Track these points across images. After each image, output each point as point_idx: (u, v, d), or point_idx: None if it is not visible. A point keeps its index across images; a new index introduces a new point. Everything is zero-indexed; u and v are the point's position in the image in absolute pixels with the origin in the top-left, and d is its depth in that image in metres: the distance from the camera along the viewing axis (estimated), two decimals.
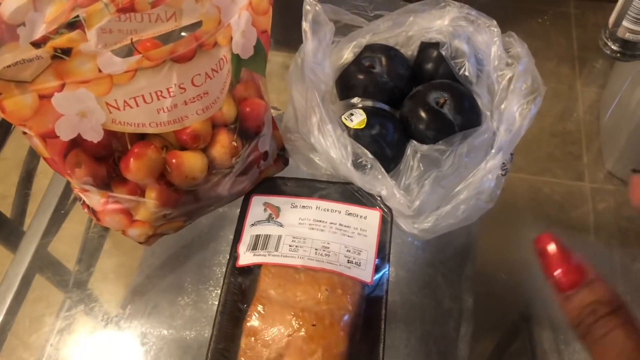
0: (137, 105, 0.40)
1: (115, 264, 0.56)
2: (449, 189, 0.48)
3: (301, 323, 0.42)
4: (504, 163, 0.49)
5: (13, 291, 0.53)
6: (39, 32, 0.40)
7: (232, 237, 0.49)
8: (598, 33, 0.74)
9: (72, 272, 0.55)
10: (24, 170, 0.62)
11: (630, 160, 0.65)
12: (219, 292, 0.52)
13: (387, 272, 0.46)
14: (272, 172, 0.54)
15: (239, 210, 0.51)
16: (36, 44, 0.35)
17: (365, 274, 0.45)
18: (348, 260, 0.46)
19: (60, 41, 0.35)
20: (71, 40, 0.36)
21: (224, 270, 0.52)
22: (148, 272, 0.56)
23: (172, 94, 0.40)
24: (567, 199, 0.60)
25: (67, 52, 0.36)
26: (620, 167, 0.63)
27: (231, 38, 0.42)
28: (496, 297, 0.54)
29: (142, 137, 0.43)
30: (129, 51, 0.48)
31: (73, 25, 0.35)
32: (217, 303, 0.45)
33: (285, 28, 0.55)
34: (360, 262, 0.46)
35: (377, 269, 0.46)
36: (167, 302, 0.53)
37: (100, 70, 0.38)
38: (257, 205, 0.50)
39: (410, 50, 0.58)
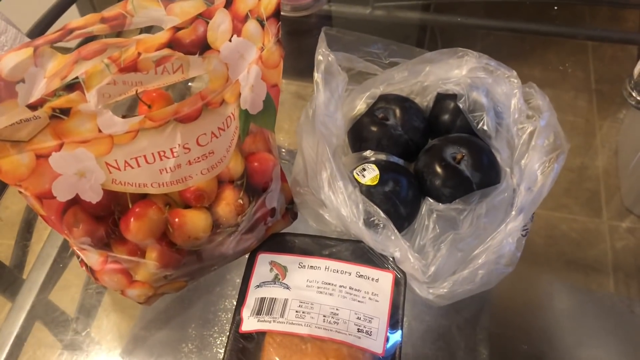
0: (139, 166, 0.38)
1: (115, 321, 0.53)
2: (467, 253, 0.45)
3: None
4: (525, 225, 0.46)
5: (5, 352, 0.51)
6: (39, 89, 0.39)
7: (238, 280, 0.47)
8: (616, 66, 0.72)
9: (69, 331, 0.52)
10: (23, 221, 0.60)
11: None
12: (224, 339, 0.51)
13: (399, 340, 0.44)
14: (280, 227, 0.51)
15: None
16: (33, 107, 0.33)
17: (377, 345, 0.42)
18: (358, 329, 0.43)
19: (59, 102, 0.34)
20: (70, 100, 0.34)
21: (229, 316, 0.50)
22: (151, 317, 0.53)
23: (175, 154, 0.38)
24: (585, 237, 0.58)
25: (65, 112, 0.34)
26: None
27: (239, 94, 0.40)
28: (513, 345, 0.52)
29: (143, 196, 0.41)
30: (134, 99, 0.47)
31: (72, 86, 0.33)
32: (222, 352, 0.43)
33: (297, 56, 0.53)
34: (371, 331, 0.43)
35: (388, 337, 0.43)
36: (171, 350, 0.51)
37: (100, 130, 0.36)
38: (263, 264, 0.48)
39: (425, 101, 0.56)
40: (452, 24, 0.84)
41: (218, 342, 0.51)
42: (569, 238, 0.58)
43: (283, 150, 0.66)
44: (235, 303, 0.46)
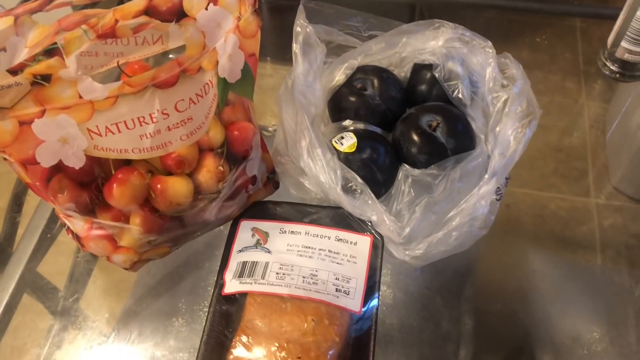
0: (119, 132, 0.39)
1: (105, 287, 0.55)
2: (441, 215, 0.47)
3: (286, 355, 0.41)
4: (498, 188, 0.48)
5: None
6: (20, 58, 0.40)
7: None
8: (603, 47, 0.73)
9: (58, 298, 0.54)
10: (13, 194, 0.61)
11: (636, 178, 0.64)
12: None
13: (376, 301, 0.45)
14: (262, 195, 0.53)
15: None
16: (13, 72, 0.34)
17: (354, 304, 0.44)
18: (336, 289, 0.44)
19: (39, 68, 0.35)
20: (50, 66, 0.35)
21: None
22: (142, 292, 0.55)
23: (154, 120, 0.40)
24: (573, 215, 0.59)
25: (46, 78, 0.35)
26: (627, 183, 0.62)
27: (217, 62, 0.42)
28: (497, 319, 0.53)
29: (126, 163, 0.42)
30: (120, 73, 0.48)
31: (51, 51, 0.35)
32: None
33: (280, 33, 0.54)
34: (349, 291, 0.45)
35: (366, 297, 0.45)
36: (161, 323, 0.52)
37: (81, 97, 0.37)
38: (245, 231, 0.49)
39: (403, 72, 0.58)
40: (439, 2, 0.84)
41: None
42: (558, 217, 0.59)
43: (270, 128, 0.67)
44: (214, 284, 0.47)
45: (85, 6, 0.42)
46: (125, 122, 0.39)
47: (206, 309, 0.52)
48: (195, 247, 0.53)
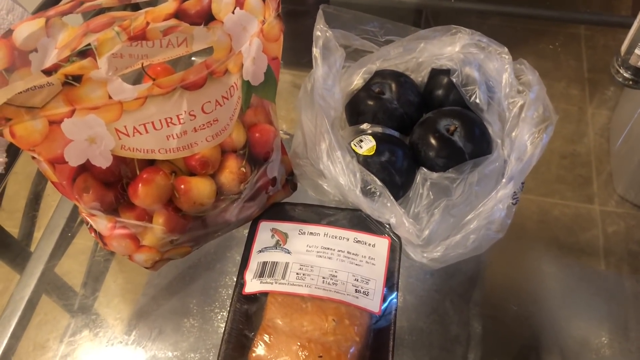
0: (147, 132, 0.40)
1: (121, 287, 0.55)
2: (459, 218, 0.47)
3: (307, 354, 0.41)
4: (515, 192, 0.48)
5: (18, 315, 0.53)
6: (51, 58, 0.40)
7: (239, 258, 0.49)
8: (608, 55, 0.73)
9: (77, 296, 0.54)
10: (32, 192, 0.62)
11: None
12: (224, 314, 0.52)
13: (395, 302, 0.46)
14: (281, 197, 0.53)
15: (246, 231, 0.51)
16: (47, 72, 0.35)
17: (373, 304, 0.45)
18: (356, 290, 0.45)
19: (72, 68, 0.35)
20: (82, 67, 0.36)
21: (230, 292, 0.52)
22: (154, 294, 0.55)
23: (182, 121, 0.40)
24: (577, 222, 0.59)
25: (77, 78, 0.36)
26: (632, 191, 0.62)
27: (242, 65, 0.42)
28: (505, 324, 0.53)
29: (151, 163, 0.43)
30: (139, 75, 0.48)
31: (84, 52, 0.35)
32: (222, 326, 0.44)
33: (294, 38, 0.54)
34: (368, 292, 0.45)
35: (384, 298, 0.45)
36: (173, 324, 0.53)
37: (110, 97, 0.38)
38: (265, 231, 0.50)
39: (420, 77, 0.58)
40: (446, 8, 0.85)
41: (219, 317, 0.53)
42: (561, 223, 0.59)
43: (281, 131, 0.68)
44: (235, 280, 0.47)
45: (110, 8, 0.43)
46: (153, 122, 0.40)
47: (217, 310, 0.53)
48: (206, 248, 0.54)
